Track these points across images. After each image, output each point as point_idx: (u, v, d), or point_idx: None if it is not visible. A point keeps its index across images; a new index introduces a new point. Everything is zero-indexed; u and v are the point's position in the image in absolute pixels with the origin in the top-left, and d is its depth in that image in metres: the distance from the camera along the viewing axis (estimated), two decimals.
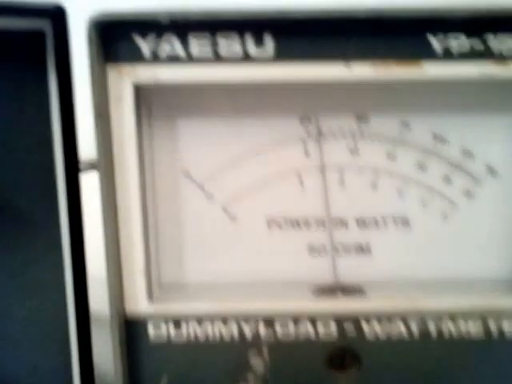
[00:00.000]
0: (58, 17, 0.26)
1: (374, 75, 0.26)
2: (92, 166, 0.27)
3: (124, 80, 0.26)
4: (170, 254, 0.29)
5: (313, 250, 0.29)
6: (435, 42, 0.26)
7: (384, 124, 0.28)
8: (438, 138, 0.28)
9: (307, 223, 0.29)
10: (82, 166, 0.27)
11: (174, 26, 0.26)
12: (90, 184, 0.28)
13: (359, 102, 0.28)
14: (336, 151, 0.28)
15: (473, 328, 0.28)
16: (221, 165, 0.28)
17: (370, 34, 0.26)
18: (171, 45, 0.26)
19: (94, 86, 0.26)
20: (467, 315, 0.28)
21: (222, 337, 0.28)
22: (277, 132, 0.28)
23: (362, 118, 0.28)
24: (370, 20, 0.26)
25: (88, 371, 0.28)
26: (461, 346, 0.28)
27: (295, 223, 0.29)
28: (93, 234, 0.28)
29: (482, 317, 0.28)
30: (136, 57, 0.26)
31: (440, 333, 0.28)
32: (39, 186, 0.27)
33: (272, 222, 0.29)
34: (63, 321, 0.28)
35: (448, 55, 0.26)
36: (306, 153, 0.28)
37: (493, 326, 0.28)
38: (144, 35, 0.26)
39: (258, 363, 0.28)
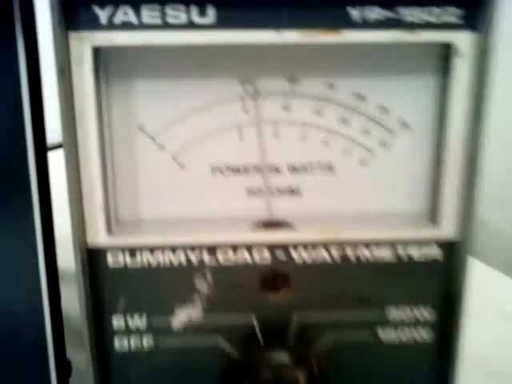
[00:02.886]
0: None
1: (302, 40, 0.30)
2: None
3: (84, 44, 0.30)
4: (126, 196, 0.33)
5: (251, 192, 0.34)
6: (353, 13, 0.30)
7: (312, 85, 0.32)
8: (358, 97, 0.33)
9: (246, 170, 0.34)
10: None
11: None
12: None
13: (291, 65, 0.32)
14: (271, 108, 0.33)
15: (384, 254, 0.33)
16: (171, 120, 0.32)
17: (299, 5, 0.30)
18: (125, 13, 0.30)
19: (57, 49, 0.29)
20: (380, 243, 0.33)
21: (171, 263, 0.33)
22: (220, 91, 0.32)
23: (293, 79, 0.32)
24: None
25: (56, 299, 0.33)
26: (375, 268, 0.33)
27: (236, 170, 0.34)
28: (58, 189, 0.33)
29: (392, 244, 0.33)
30: (95, 23, 0.30)
31: (357, 258, 0.33)
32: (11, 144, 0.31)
33: (215, 169, 0.34)
34: (34, 263, 0.32)
35: (365, 24, 0.30)
36: (245, 109, 0.33)
37: (401, 252, 0.33)
38: (101, 4, 0.29)
39: (202, 286, 0.34)
